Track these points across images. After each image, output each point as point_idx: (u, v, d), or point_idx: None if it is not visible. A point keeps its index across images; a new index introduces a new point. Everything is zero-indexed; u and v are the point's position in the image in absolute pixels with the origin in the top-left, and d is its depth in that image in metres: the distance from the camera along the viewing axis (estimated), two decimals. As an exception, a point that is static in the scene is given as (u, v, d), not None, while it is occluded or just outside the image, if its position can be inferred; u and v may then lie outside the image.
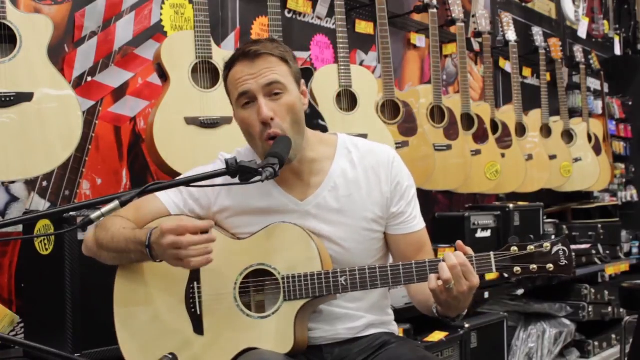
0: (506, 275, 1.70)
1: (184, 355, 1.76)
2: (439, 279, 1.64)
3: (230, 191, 1.85)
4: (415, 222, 1.91)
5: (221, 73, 2.57)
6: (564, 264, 1.68)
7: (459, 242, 1.72)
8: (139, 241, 1.71)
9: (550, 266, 1.68)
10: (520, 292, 4.06)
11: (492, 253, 1.69)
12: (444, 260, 1.66)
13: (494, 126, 4.19)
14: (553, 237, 4.27)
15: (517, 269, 1.68)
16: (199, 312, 1.78)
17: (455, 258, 1.64)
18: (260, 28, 3.28)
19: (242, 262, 1.78)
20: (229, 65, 1.80)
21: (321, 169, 1.86)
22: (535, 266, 1.68)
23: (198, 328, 1.77)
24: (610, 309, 4.56)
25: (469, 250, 1.70)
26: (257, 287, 1.79)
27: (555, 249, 1.68)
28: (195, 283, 1.79)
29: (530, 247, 1.68)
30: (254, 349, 1.73)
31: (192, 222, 1.68)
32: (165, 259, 1.68)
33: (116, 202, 1.50)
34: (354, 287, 1.73)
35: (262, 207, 1.83)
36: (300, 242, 1.77)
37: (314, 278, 1.73)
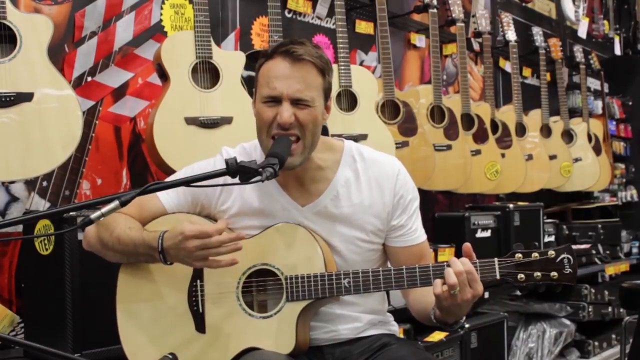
0: (510, 281, 1.68)
1: (185, 353, 1.76)
2: (444, 283, 1.64)
3: (231, 191, 1.84)
4: (415, 235, 1.90)
5: (221, 73, 2.59)
6: (568, 272, 1.66)
7: (468, 245, 1.69)
8: (149, 245, 1.72)
9: (554, 274, 1.66)
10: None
11: (496, 259, 1.68)
12: (449, 266, 1.65)
13: (494, 126, 4.19)
14: (556, 244, 4.32)
15: (521, 275, 1.66)
16: (201, 311, 1.78)
17: (461, 264, 1.63)
18: (260, 28, 3.28)
19: (245, 261, 1.77)
20: (268, 56, 1.76)
21: (325, 176, 1.84)
22: (539, 274, 1.66)
23: (200, 326, 1.78)
24: (610, 309, 4.56)
25: (474, 255, 1.68)
26: (260, 287, 1.79)
27: (560, 257, 1.66)
28: (199, 281, 1.79)
29: (535, 255, 1.67)
30: (255, 349, 1.73)
31: (210, 225, 1.70)
32: (185, 261, 1.70)
33: (116, 202, 1.50)
34: (357, 289, 1.73)
35: (263, 209, 1.83)
36: (305, 244, 1.77)
37: (317, 279, 1.73)
